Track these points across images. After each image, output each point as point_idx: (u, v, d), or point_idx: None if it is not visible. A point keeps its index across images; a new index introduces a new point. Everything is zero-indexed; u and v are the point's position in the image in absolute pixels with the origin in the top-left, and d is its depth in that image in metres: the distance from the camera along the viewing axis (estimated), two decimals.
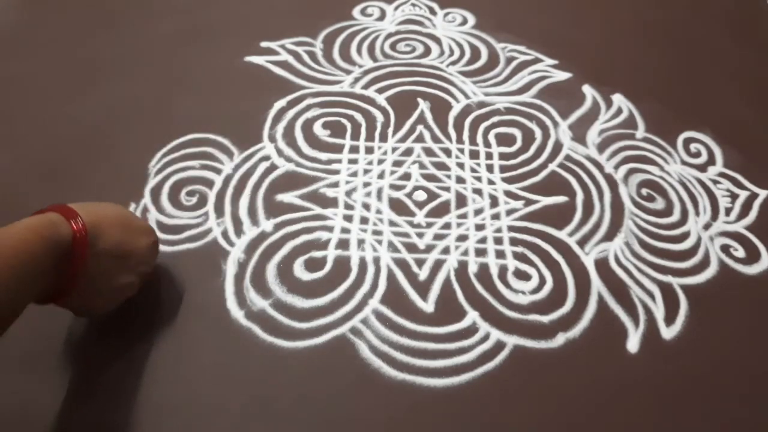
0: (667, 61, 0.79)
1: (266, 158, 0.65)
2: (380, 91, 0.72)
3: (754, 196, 0.64)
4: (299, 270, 0.56)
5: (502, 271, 0.57)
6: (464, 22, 0.83)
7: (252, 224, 0.59)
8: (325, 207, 0.61)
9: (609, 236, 0.60)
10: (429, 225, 0.60)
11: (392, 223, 0.60)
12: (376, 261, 0.57)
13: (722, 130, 0.70)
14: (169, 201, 0.61)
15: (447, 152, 0.66)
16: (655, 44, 0.81)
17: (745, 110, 0.72)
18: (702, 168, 0.66)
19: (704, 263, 0.58)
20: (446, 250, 0.58)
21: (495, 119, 0.70)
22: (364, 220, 0.60)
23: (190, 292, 0.54)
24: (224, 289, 0.54)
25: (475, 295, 0.55)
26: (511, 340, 0.52)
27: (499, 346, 0.52)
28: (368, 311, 0.53)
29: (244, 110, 0.70)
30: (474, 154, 0.66)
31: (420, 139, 0.67)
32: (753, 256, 0.59)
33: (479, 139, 0.68)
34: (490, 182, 0.64)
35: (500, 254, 0.58)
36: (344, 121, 0.69)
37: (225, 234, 0.58)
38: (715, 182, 0.65)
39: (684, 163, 0.67)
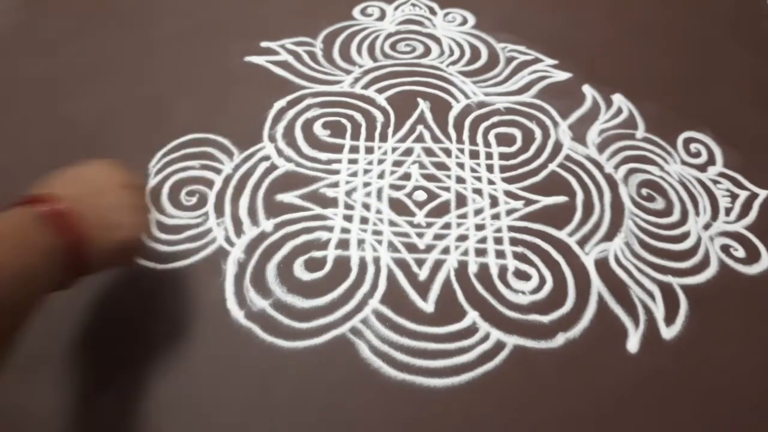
0: (667, 61, 0.79)
1: (266, 158, 0.65)
2: (380, 91, 0.72)
3: (754, 196, 0.64)
4: (299, 270, 0.56)
5: (502, 271, 0.57)
6: (464, 22, 0.83)
7: (252, 224, 0.59)
8: (325, 207, 0.61)
9: (609, 236, 0.60)
10: (429, 225, 0.60)
11: (392, 223, 0.60)
12: (376, 261, 0.57)
13: (722, 130, 0.70)
14: (169, 201, 0.61)
15: (447, 152, 0.66)
16: (655, 44, 0.81)
17: (745, 110, 0.72)
18: (702, 168, 0.66)
19: (704, 263, 0.58)
20: (446, 250, 0.58)
21: (495, 119, 0.70)
22: (364, 220, 0.60)
23: (190, 292, 0.54)
24: (224, 289, 0.54)
25: (475, 295, 0.55)
26: (511, 340, 0.52)
27: (499, 346, 0.52)
28: (368, 311, 0.53)
29: (244, 110, 0.70)
30: (474, 154, 0.66)
31: (420, 139, 0.67)
32: (753, 256, 0.59)
33: (479, 139, 0.68)
34: (490, 182, 0.64)
35: (500, 254, 0.58)
36: (344, 121, 0.69)
37: (225, 234, 0.58)
38: (715, 182, 0.65)
39: (684, 163, 0.67)
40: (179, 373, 0.49)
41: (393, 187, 0.63)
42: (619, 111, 0.71)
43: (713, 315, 0.54)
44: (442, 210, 0.61)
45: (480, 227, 0.60)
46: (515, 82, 0.74)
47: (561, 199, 0.63)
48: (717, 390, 0.50)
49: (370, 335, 0.52)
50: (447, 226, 0.60)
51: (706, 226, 0.61)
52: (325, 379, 0.49)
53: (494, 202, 0.62)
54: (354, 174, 0.64)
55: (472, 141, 0.68)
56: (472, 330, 0.53)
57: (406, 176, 0.64)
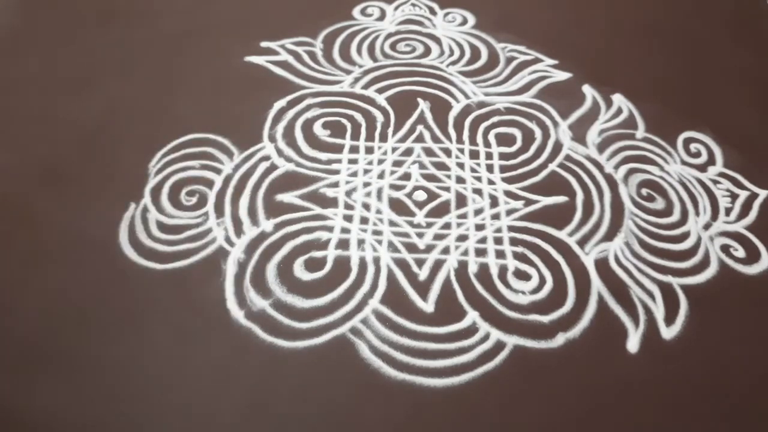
0: (667, 61, 0.79)
1: (266, 158, 0.65)
2: (380, 91, 0.72)
3: (754, 196, 0.64)
4: (299, 270, 0.56)
5: (502, 271, 0.57)
6: (464, 22, 0.83)
7: (252, 224, 0.59)
8: (325, 207, 0.61)
9: (609, 236, 0.60)
10: (429, 225, 0.60)
11: (392, 223, 0.60)
12: (376, 261, 0.57)
13: (722, 130, 0.70)
14: (169, 201, 0.61)
15: (447, 152, 0.66)
16: (655, 45, 0.81)
17: (745, 110, 0.72)
18: (702, 168, 0.66)
19: (704, 263, 0.58)
20: (446, 250, 0.58)
21: (495, 119, 0.70)
22: (364, 220, 0.60)
23: (190, 292, 0.54)
24: (224, 289, 0.54)
25: (475, 295, 0.55)
26: (511, 340, 0.52)
27: (499, 346, 0.52)
28: (368, 311, 0.53)
29: (244, 110, 0.70)
30: (474, 154, 0.66)
31: (420, 139, 0.67)
32: (753, 256, 0.59)
33: (479, 139, 0.68)
34: (490, 182, 0.64)
35: (500, 254, 0.58)
36: (344, 121, 0.69)
37: (225, 234, 0.58)
38: (715, 182, 0.65)
39: (684, 163, 0.67)
40: (179, 372, 0.49)
41: (393, 187, 0.63)
42: (619, 111, 0.71)
43: (713, 315, 0.54)
44: (442, 210, 0.61)
45: (480, 227, 0.60)
46: (515, 82, 0.74)
47: (561, 199, 0.63)
48: (717, 390, 0.50)
49: (370, 335, 0.52)
50: (447, 226, 0.60)
51: (706, 226, 0.61)
52: (325, 379, 0.49)
53: (494, 202, 0.62)
54: (354, 174, 0.64)
55: (472, 141, 0.67)
56: (472, 330, 0.53)
57: (406, 176, 0.64)
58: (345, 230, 0.59)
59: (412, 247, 0.58)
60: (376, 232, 0.59)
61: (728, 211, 0.62)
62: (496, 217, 0.61)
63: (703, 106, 0.73)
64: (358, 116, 0.70)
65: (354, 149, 0.66)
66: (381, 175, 0.64)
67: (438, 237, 0.59)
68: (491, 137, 0.68)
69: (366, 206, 0.61)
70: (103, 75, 0.74)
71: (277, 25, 0.80)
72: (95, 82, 0.73)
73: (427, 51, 0.78)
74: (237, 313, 0.53)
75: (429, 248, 0.58)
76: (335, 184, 0.63)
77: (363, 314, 0.53)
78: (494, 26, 0.82)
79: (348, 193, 0.62)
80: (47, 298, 0.53)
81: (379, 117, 0.70)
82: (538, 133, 0.69)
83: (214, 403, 0.48)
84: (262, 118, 0.69)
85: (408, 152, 0.66)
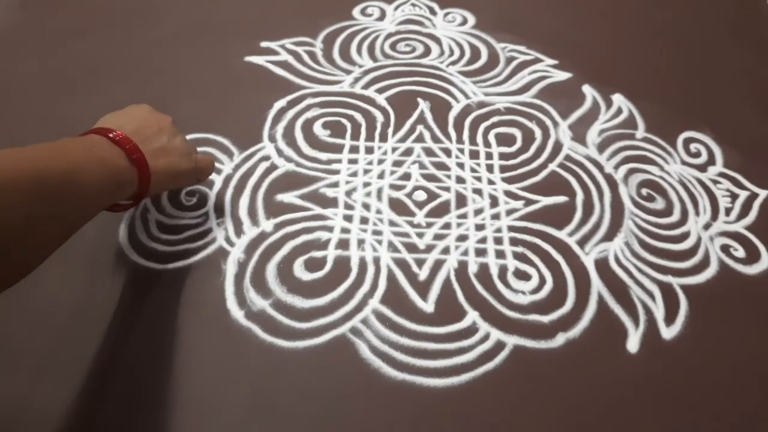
0: (667, 61, 0.79)
1: (266, 158, 0.65)
2: (380, 91, 0.72)
3: (754, 196, 0.64)
4: (299, 270, 0.56)
5: (502, 271, 0.57)
6: (464, 22, 0.83)
7: (252, 224, 0.59)
8: (325, 207, 0.61)
9: (609, 236, 0.60)
10: (429, 225, 0.60)
11: (392, 223, 0.60)
12: (376, 261, 0.57)
13: (722, 130, 0.70)
14: (169, 201, 0.61)
15: (447, 152, 0.66)
16: (655, 44, 0.81)
17: (745, 110, 0.72)
18: (702, 168, 0.66)
19: (704, 263, 0.58)
20: (446, 250, 0.58)
21: (495, 119, 0.70)
22: (364, 220, 0.60)
23: (190, 292, 0.54)
24: (224, 289, 0.54)
25: (475, 295, 0.55)
26: (511, 340, 0.52)
27: (499, 346, 0.52)
28: (368, 311, 0.53)
29: (244, 110, 0.70)
30: (474, 154, 0.66)
31: (420, 139, 0.67)
32: (753, 256, 0.59)
33: (479, 139, 0.68)
34: (490, 182, 0.64)
35: (500, 254, 0.58)
36: (344, 121, 0.69)
37: (225, 234, 0.58)
38: (715, 182, 0.65)
39: (684, 163, 0.67)
40: (179, 373, 0.49)
41: (393, 187, 0.63)
42: (619, 111, 0.72)
43: (713, 315, 0.54)
44: (442, 210, 0.61)
45: (480, 227, 0.60)
46: (515, 82, 0.75)
47: (561, 199, 0.63)
48: (717, 390, 0.50)
49: (370, 335, 0.52)
50: (447, 226, 0.60)
51: (706, 226, 0.61)
52: (325, 379, 0.49)
53: (494, 202, 0.62)
54: (354, 174, 0.64)
55: (472, 141, 0.68)
56: (472, 330, 0.53)
57: (406, 176, 0.64)
58: (345, 230, 0.59)
59: (412, 247, 0.58)
60: (376, 232, 0.59)
61: (728, 211, 0.62)
62: (496, 217, 0.61)
63: (703, 106, 0.73)
64: (358, 116, 0.70)
65: (354, 149, 0.66)
66: (381, 175, 0.64)
67: (438, 237, 0.59)
68: (491, 137, 0.68)
69: (366, 206, 0.61)
70: (103, 75, 0.74)
71: (277, 25, 0.80)
72: (95, 82, 0.73)
73: (427, 51, 0.78)
74: (237, 313, 0.53)
75: (429, 248, 0.58)
76: (335, 184, 0.63)
77: (363, 314, 0.53)
78: (494, 26, 0.82)
79: (348, 193, 0.62)
80: (46, 299, 0.53)
81: (379, 117, 0.70)
82: (538, 133, 0.69)
83: (213, 403, 0.48)
84: (262, 118, 0.69)
85: (408, 152, 0.66)
